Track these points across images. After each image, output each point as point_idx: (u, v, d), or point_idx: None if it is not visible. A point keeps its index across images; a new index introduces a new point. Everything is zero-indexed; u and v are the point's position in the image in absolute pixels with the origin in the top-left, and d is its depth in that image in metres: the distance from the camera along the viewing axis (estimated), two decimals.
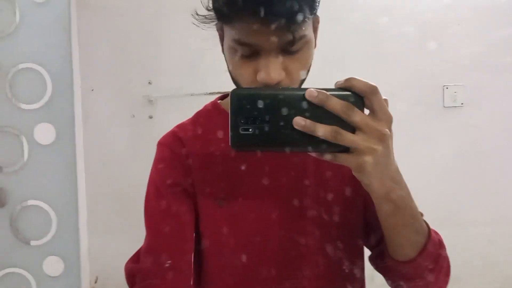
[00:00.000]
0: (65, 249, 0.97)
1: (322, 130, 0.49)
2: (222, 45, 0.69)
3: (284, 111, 0.51)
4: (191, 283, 0.71)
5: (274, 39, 0.57)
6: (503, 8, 2.10)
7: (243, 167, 0.71)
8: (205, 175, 0.72)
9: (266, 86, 0.60)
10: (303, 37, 0.60)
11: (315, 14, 0.63)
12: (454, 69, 2.10)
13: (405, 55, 2.08)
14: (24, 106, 0.94)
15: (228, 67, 0.67)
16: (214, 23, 0.68)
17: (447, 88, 2.10)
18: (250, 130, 0.51)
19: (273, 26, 0.55)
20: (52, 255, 0.97)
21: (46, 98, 0.94)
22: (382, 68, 2.06)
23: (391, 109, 0.53)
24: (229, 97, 0.53)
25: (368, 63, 2.02)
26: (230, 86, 0.58)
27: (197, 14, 0.69)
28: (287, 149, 0.52)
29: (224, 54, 0.68)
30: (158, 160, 0.75)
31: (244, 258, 0.70)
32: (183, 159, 0.72)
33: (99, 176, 2.05)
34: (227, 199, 0.71)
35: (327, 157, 0.53)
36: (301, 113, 0.50)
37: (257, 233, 0.71)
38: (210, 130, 0.74)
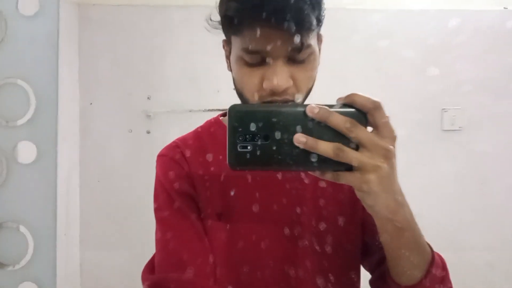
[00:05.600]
0: (41, 274, 0.92)
1: (324, 147, 0.48)
2: (228, 62, 0.69)
3: (284, 128, 0.49)
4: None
5: (282, 45, 0.58)
6: (504, 33, 2.12)
7: (240, 186, 0.69)
8: (204, 189, 0.71)
9: (272, 94, 0.60)
10: (309, 46, 0.61)
11: (320, 25, 0.65)
12: (453, 92, 2.11)
13: (405, 78, 2.09)
14: (5, 123, 0.91)
15: (234, 81, 0.67)
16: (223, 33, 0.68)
17: (446, 111, 2.10)
18: (249, 147, 0.49)
19: (282, 32, 0.57)
20: (27, 280, 0.92)
21: (29, 115, 0.90)
22: (382, 91, 2.06)
23: None
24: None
25: (368, 85, 2.02)
26: (230, 104, 0.58)
27: (211, 20, 0.69)
28: (287, 168, 0.50)
29: (231, 70, 0.68)
30: (162, 169, 0.74)
31: (233, 279, 0.68)
32: (185, 169, 0.71)
33: (94, 190, 2.03)
34: (224, 215, 0.69)
35: (329, 176, 0.51)
36: (302, 130, 0.49)
37: (246, 259, 0.69)
38: (211, 145, 0.73)
